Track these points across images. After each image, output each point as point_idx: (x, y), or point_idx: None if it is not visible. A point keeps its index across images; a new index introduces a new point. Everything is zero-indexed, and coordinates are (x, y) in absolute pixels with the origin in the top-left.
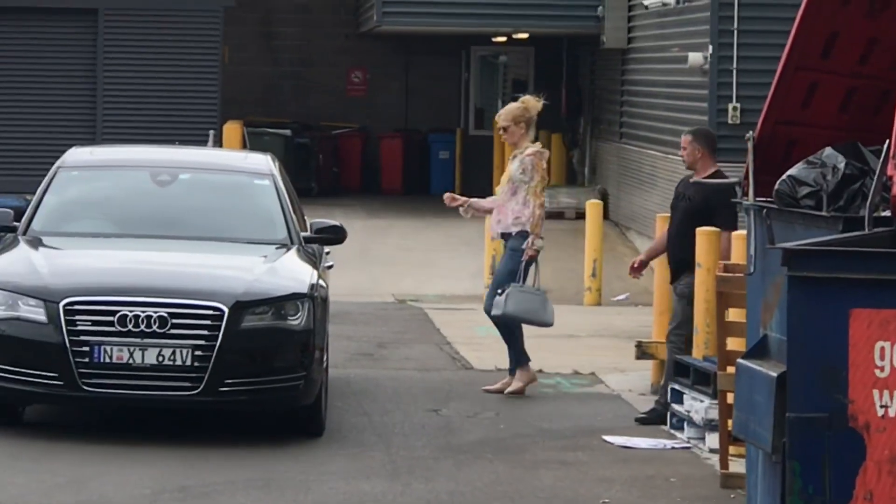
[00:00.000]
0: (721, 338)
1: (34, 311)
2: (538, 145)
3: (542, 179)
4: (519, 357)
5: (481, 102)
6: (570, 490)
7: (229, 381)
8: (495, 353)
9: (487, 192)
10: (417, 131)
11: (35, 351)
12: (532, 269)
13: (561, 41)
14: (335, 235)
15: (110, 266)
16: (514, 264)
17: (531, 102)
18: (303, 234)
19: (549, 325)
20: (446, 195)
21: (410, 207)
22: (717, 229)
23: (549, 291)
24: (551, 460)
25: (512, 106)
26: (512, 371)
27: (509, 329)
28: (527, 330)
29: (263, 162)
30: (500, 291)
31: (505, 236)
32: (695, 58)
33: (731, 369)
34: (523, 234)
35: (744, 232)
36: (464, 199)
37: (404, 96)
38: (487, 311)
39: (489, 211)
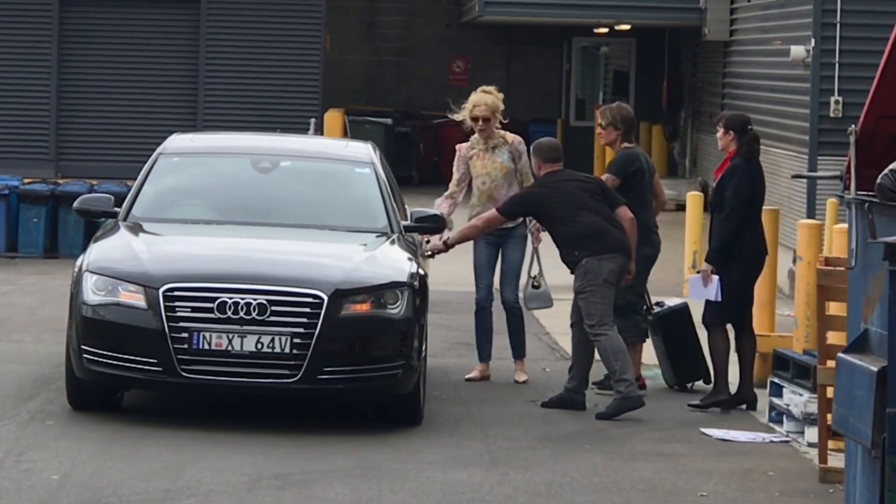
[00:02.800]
0: (821, 332)
1: (134, 297)
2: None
3: None
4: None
5: (582, 93)
6: (668, 482)
7: (328, 369)
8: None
9: None
10: (518, 121)
11: (134, 336)
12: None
13: (663, 33)
14: (435, 224)
15: (210, 253)
16: (524, 252)
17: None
18: (403, 222)
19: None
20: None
21: None
22: (818, 223)
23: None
24: (649, 452)
25: (488, 97)
26: (521, 356)
27: (523, 319)
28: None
29: (364, 150)
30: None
31: (507, 229)
32: (797, 51)
33: (830, 363)
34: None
35: (845, 225)
36: (435, 245)
37: (506, 86)
38: (511, 303)
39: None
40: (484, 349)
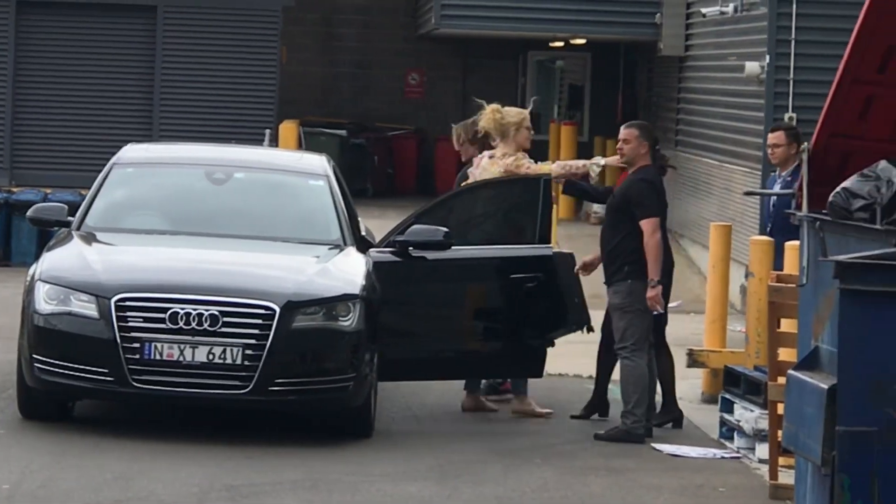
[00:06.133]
0: (772, 348)
1: (86, 307)
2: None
3: None
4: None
5: (538, 107)
6: (618, 497)
7: (279, 380)
8: (553, 359)
9: None
10: None
11: (86, 346)
12: None
13: (618, 47)
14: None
15: (163, 263)
16: None
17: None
18: (399, 238)
19: None
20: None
21: None
22: (771, 239)
23: (595, 298)
24: (600, 467)
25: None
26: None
27: None
28: (574, 335)
29: (318, 163)
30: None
31: None
32: (752, 67)
33: (781, 380)
34: None
35: (797, 242)
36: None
37: (461, 99)
38: None
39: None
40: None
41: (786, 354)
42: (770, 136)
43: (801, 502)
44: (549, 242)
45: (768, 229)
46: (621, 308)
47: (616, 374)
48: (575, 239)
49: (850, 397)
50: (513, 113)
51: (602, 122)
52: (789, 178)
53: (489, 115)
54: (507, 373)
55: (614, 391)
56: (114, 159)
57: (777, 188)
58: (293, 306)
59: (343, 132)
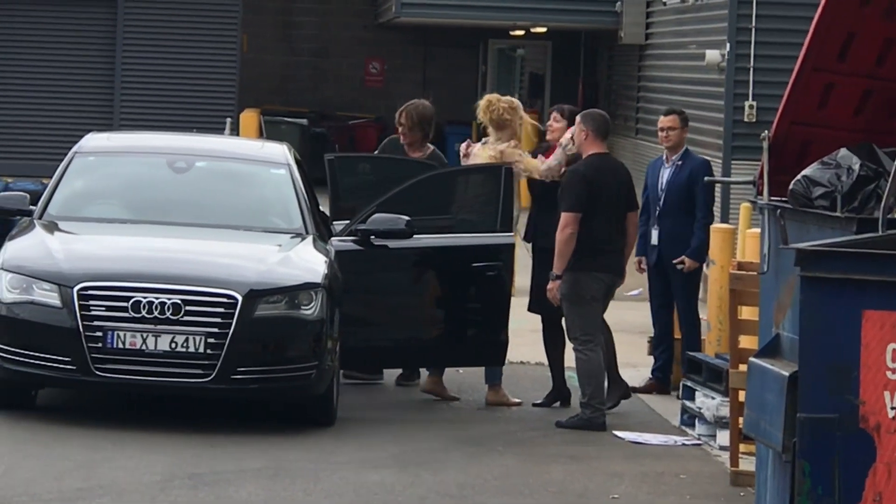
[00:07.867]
0: (734, 335)
1: (48, 296)
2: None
3: None
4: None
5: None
6: (579, 485)
7: (241, 369)
8: (515, 347)
9: None
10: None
11: (48, 335)
12: None
13: (579, 36)
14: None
15: (125, 252)
16: None
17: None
18: (361, 227)
19: None
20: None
21: None
22: (731, 227)
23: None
24: (562, 454)
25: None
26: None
27: None
28: (534, 323)
29: (280, 151)
30: None
31: None
32: (712, 55)
33: (742, 367)
34: None
35: (758, 230)
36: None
37: (421, 87)
38: None
39: None
40: None
41: (747, 342)
42: (665, 119)
43: (762, 489)
44: (510, 231)
45: (657, 213)
46: (567, 298)
47: (570, 360)
48: None
49: (810, 384)
50: (516, 105)
51: None
52: (680, 163)
53: (490, 106)
54: (468, 361)
55: (574, 378)
56: (75, 148)
57: (668, 173)
58: (255, 295)
59: (304, 121)
